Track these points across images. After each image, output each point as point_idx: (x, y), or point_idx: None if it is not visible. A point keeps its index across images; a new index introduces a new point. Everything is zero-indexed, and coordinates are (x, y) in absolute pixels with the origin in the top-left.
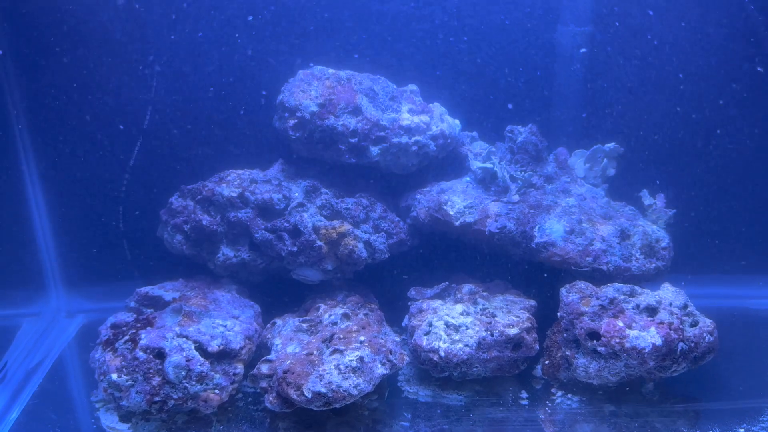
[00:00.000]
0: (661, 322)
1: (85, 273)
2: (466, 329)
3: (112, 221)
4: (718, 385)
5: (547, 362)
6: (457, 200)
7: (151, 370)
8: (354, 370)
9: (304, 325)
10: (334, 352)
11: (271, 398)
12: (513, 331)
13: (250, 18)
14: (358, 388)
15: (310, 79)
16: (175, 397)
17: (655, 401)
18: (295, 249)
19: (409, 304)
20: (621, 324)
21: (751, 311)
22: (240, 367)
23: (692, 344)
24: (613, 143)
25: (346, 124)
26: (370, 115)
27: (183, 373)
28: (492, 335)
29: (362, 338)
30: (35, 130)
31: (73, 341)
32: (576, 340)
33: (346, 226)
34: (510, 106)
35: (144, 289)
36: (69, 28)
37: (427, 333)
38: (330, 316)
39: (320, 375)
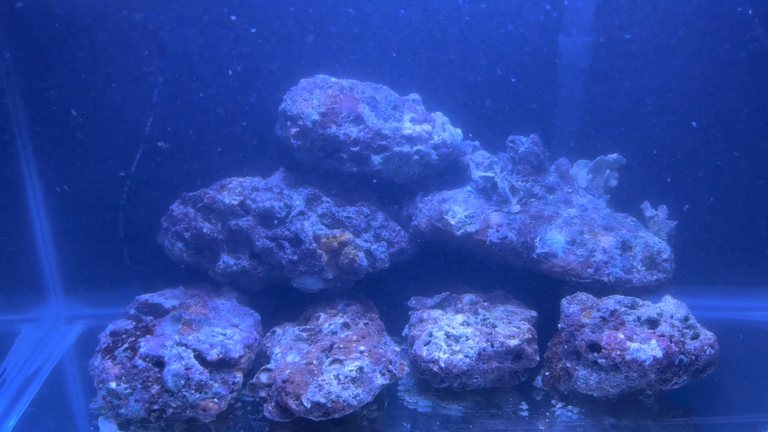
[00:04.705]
0: (662, 335)
1: (85, 279)
2: (467, 340)
3: (113, 228)
4: (718, 398)
5: (547, 374)
6: (458, 210)
7: (150, 379)
8: (353, 380)
9: (304, 334)
10: (334, 361)
11: (270, 408)
12: (513, 342)
13: (253, 30)
14: (358, 398)
15: (313, 87)
16: (173, 405)
17: (656, 414)
18: (296, 257)
19: (410, 313)
20: (622, 336)
21: (752, 323)
22: (239, 376)
23: (693, 357)
24: (616, 154)
25: (348, 133)
26: (372, 124)
27: (182, 381)
28: (492, 346)
29: (362, 348)
30: (36, 136)
31: (72, 348)
32: (577, 351)
33: (347, 235)
34: (512, 116)
35: (144, 297)
36: (71, 34)
37: (428, 343)
38: (330, 325)
39: (319, 385)
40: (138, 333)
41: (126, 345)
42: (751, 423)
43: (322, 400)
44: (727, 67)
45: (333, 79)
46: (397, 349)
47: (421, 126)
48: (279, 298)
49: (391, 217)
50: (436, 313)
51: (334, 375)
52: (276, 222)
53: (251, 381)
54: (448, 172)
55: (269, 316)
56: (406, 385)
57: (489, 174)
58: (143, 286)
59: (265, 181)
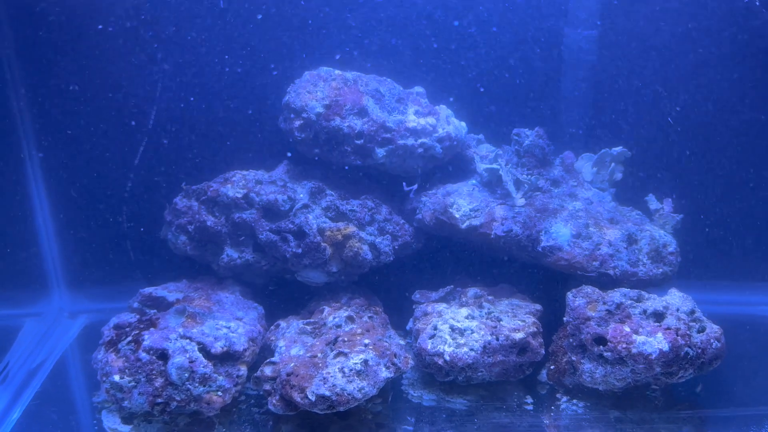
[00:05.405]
0: (668, 328)
1: (88, 273)
2: (471, 333)
3: (116, 221)
4: (724, 391)
5: (552, 367)
6: (462, 203)
7: (154, 372)
8: (358, 373)
9: (308, 328)
10: (339, 354)
11: (274, 401)
12: (518, 336)
13: (260, 17)
14: (362, 391)
15: (316, 80)
16: (177, 398)
17: (661, 407)
18: (300, 251)
19: (414, 307)
20: (628, 329)
21: (758, 317)
22: (243, 369)
23: (699, 350)
24: (621, 147)
25: (352, 125)
26: (376, 117)
27: (186, 374)
28: (497, 339)
29: (366, 341)
30: (39, 129)
31: (75, 342)
32: (582, 345)
33: (351, 228)
34: (516, 109)
35: (147, 290)
36: (73, 26)
37: (432, 336)
38: (334, 318)
39: (324, 378)
40: (142, 326)
41: (130, 338)
42: (757, 416)
43: (327, 393)
44: (735, 60)
45: (337, 72)
46: (402, 342)
47: (425, 119)
48: (283, 291)
49: (395, 210)
50: (441, 306)
51: (338, 368)
52: (280, 215)
53: (255, 374)
54: (452, 165)
55: (273, 310)
56: (410, 378)
57: (494, 167)
58: (147, 280)
59: (269, 174)
